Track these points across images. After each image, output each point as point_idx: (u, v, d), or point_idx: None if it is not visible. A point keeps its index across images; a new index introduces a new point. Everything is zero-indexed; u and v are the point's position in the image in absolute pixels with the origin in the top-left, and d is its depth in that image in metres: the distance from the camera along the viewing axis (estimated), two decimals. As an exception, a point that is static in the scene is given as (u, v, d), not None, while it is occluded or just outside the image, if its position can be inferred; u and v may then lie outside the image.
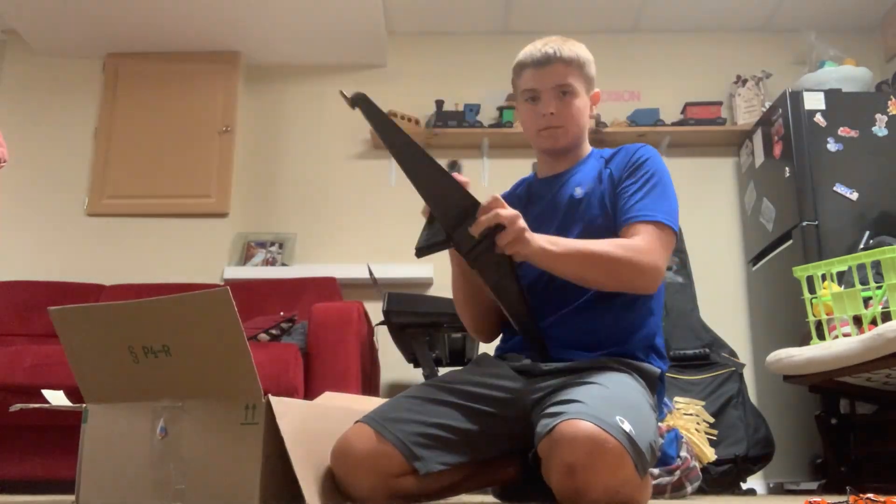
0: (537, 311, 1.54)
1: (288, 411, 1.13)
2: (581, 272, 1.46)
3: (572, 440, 1.18)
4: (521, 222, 1.36)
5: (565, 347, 1.52)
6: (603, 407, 1.25)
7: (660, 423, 2.29)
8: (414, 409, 1.37)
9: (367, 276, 3.21)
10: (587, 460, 1.17)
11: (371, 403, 1.49)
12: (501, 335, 1.69)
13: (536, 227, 1.44)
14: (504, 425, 1.42)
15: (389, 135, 1.38)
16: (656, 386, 1.54)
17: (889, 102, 3.34)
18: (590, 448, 1.18)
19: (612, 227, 1.56)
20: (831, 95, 3.38)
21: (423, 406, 1.39)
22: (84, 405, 1.30)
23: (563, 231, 1.55)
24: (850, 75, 3.59)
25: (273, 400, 1.11)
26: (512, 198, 1.76)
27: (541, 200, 1.68)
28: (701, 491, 2.55)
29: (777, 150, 3.48)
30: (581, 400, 1.28)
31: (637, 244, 1.46)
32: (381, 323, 2.95)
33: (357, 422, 1.33)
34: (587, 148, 1.76)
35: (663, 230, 1.50)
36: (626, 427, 1.23)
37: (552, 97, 1.63)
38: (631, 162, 1.62)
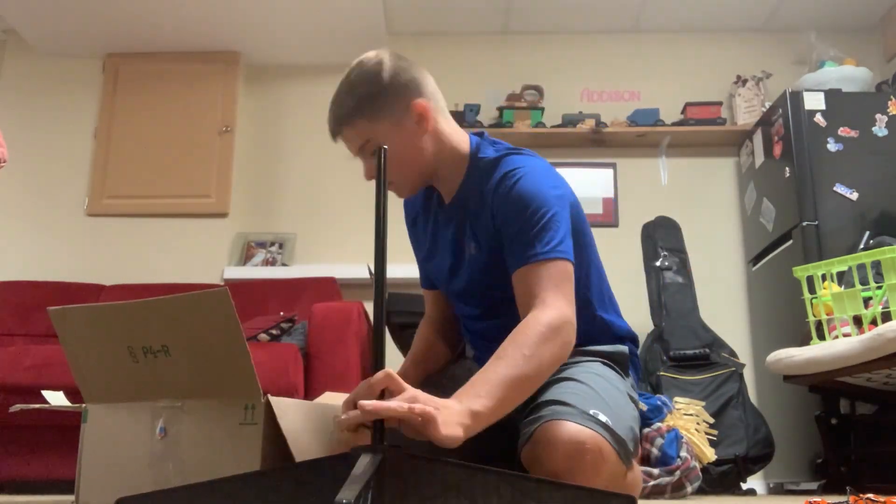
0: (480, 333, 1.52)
1: (289, 411, 1.14)
2: (522, 396, 1.22)
3: (551, 446, 1.16)
4: (420, 406, 1.02)
5: None
6: (577, 402, 1.22)
7: (659, 424, 2.29)
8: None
9: (367, 276, 3.21)
10: (568, 465, 1.14)
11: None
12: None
13: (428, 264, 1.43)
14: (492, 440, 1.29)
15: None
16: (628, 367, 1.50)
17: (889, 102, 3.34)
18: (569, 452, 1.15)
19: (492, 264, 1.42)
20: (831, 95, 3.38)
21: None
22: (83, 405, 1.30)
23: (451, 273, 1.47)
24: (850, 75, 3.59)
25: (273, 400, 1.11)
26: (415, 209, 1.63)
27: (441, 232, 1.52)
28: (701, 491, 2.55)
29: (777, 150, 3.48)
30: (555, 399, 1.23)
31: (540, 318, 1.24)
32: (381, 323, 2.95)
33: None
34: (459, 159, 1.48)
35: (552, 265, 1.31)
36: (602, 418, 1.20)
37: (366, 159, 1.45)
38: (508, 204, 1.38)
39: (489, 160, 1.45)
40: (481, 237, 1.43)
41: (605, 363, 1.43)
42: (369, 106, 1.39)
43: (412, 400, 1.02)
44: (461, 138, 1.49)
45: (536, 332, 1.22)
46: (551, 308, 1.25)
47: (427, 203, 1.58)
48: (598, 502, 0.98)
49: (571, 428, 1.16)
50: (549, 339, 1.22)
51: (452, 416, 1.05)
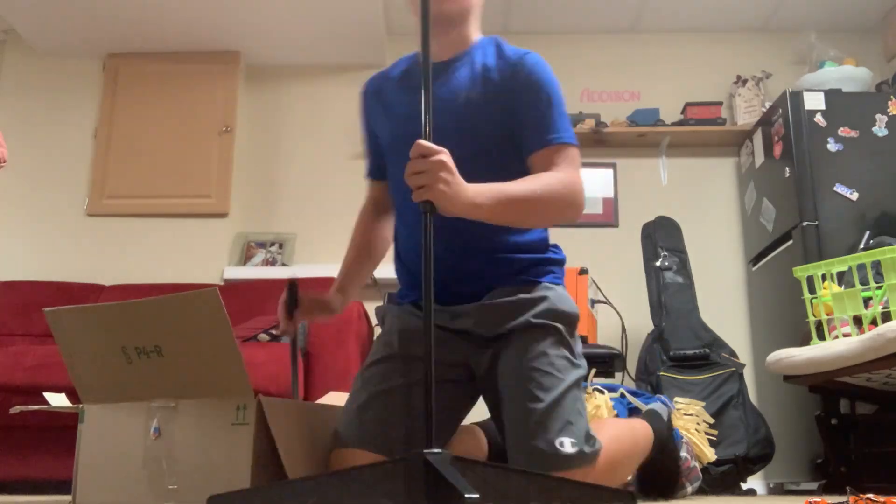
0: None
1: (280, 412, 1.14)
2: (518, 220, 1.46)
3: None
4: (444, 173, 1.23)
5: (459, 282, 1.51)
6: (544, 434, 1.35)
7: None
8: (385, 410, 1.41)
9: (366, 276, 3.20)
10: None
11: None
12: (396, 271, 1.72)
13: (408, 124, 1.40)
14: (462, 389, 1.53)
15: None
16: (576, 324, 1.53)
17: (889, 102, 3.34)
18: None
19: (486, 133, 1.51)
20: (831, 95, 3.37)
21: (390, 403, 1.42)
22: (81, 406, 1.30)
23: (437, 134, 1.34)
24: (850, 75, 3.58)
25: (264, 401, 1.11)
26: (385, 80, 1.70)
27: (416, 93, 1.40)
28: (701, 491, 2.55)
29: (777, 150, 3.48)
30: (525, 436, 1.36)
31: (563, 178, 1.44)
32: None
33: (338, 447, 1.34)
34: (475, 34, 1.63)
35: (572, 149, 1.49)
36: (567, 450, 1.34)
37: None
38: (524, 77, 1.51)
39: (505, 44, 1.61)
40: (487, 86, 1.53)
41: (555, 339, 1.47)
42: None
43: (442, 166, 1.22)
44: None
45: (555, 178, 1.43)
46: (570, 177, 1.45)
47: (405, 73, 1.68)
48: (602, 498, 1.17)
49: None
50: (562, 189, 1.43)
51: (457, 200, 1.25)
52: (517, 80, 1.51)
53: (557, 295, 1.52)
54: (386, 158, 1.68)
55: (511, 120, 1.50)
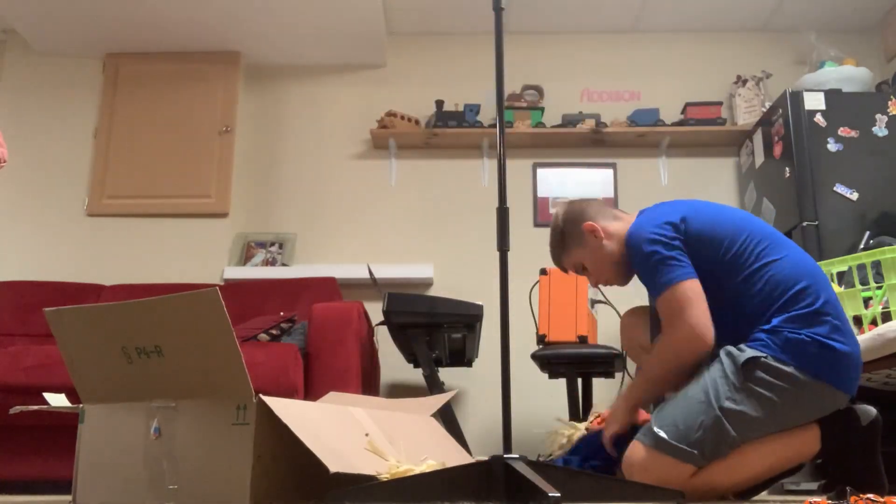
0: None
1: (284, 407, 1.14)
2: (659, 388, 1.86)
3: (626, 466, 1.72)
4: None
5: None
6: (653, 421, 1.71)
7: None
8: None
9: (367, 276, 3.21)
10: (628, 472, 1.71)
11: (373, 403, 1.49)
12: None
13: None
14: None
15: None
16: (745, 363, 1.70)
17: (889, 102, 3.34)
18: (627, 461, 1.71)
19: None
20: (831, 95, 3.37)
21: None
22: (80, 406, 1.30)
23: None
24: (850, 75, 3.58)
25: (266, 400, 1.11)
26: None
27: None
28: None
29: (777, 150, 3.48)
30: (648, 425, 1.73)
31: (662, 340, 1.79)
32: (381, 323, 2.95)
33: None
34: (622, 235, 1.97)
35: (669, 293, 1.75)
36: (661, 434, 1.67)
37: (581, 274, 2.07)
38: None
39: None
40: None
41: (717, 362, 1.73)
42: (561, 244, 2.02)
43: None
44: (625, 225, 1.96)
45: (658, 351, 1.81)
46: (667, 331, 1.77)
47: None
48: (649, 495, 1.44)
49: (633, 446, 1.72)
50: (663, 354, 1.78)
51: (619, 416, 1.86)
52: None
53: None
54: None
55: None
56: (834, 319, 1.71)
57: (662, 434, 1.66)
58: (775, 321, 1.70)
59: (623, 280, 2.00)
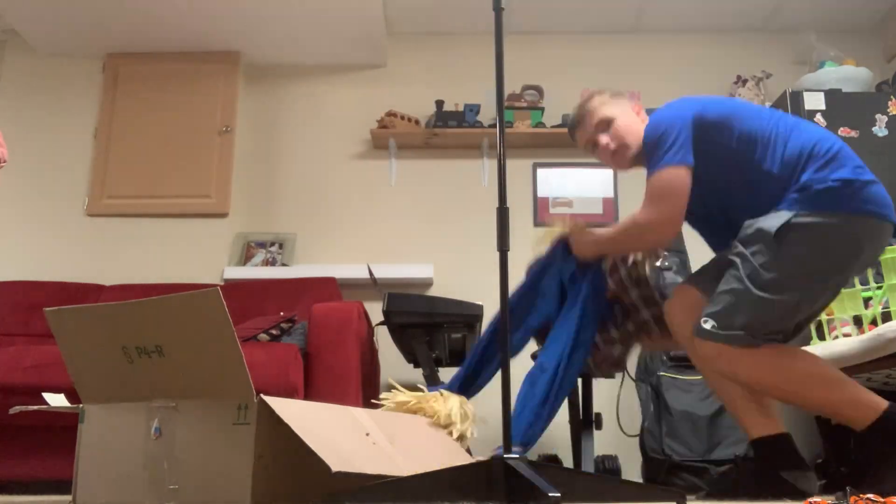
0: None
1: (285, 407, 1.14)
2: (612, 250, 2.11)
3: (700, 364, 1.98)
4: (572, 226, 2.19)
5: None
6: (705, 314, 1.81)
7: None
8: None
9: (367, 276, 3.21)
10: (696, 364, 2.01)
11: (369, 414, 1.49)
12: None
13: None
14: None
15: None
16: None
17: (889, 102, 3.34)
18: (703, 366, 1.97)
19: None
20: (831, 95, 3.37)
21: None
22: (81, 406, 1.30)
23: None
24: (850, 75, 3.58)
25: (267, 399, 1.11)
26: None
27: None
28: (700, 489, 2.55)
29: (777, 149, 3.47)
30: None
31: (637, 212, 1.95)
32: (381, 323, 2.95)
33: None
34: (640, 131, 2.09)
35: (660, 173, 1.89)
36: (707, 325, 1.78)
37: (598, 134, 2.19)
38: None
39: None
40: None
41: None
42: (598, 102, 2.16)
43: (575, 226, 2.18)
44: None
45: (628, 222, 2.02)
46: (644, 209, 1.93)
47: None
48: (650, 495, 1.41)
49: (698, 344, 1.84)
50: (631, 228, 2.01)
51: (584, 243, 2.13)
52: None
53: None
54: None
55: None
56: (854, 160, 1.83)
57: (709, 326, 1.79)
58: (803, 179, 1.79)
59: (628, 162, 2.11)
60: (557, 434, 3.06)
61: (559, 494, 1.12)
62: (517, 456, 1.27)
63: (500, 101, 1.51)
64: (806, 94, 3.36)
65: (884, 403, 1.76)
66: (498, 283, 1.57)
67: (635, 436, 3.05)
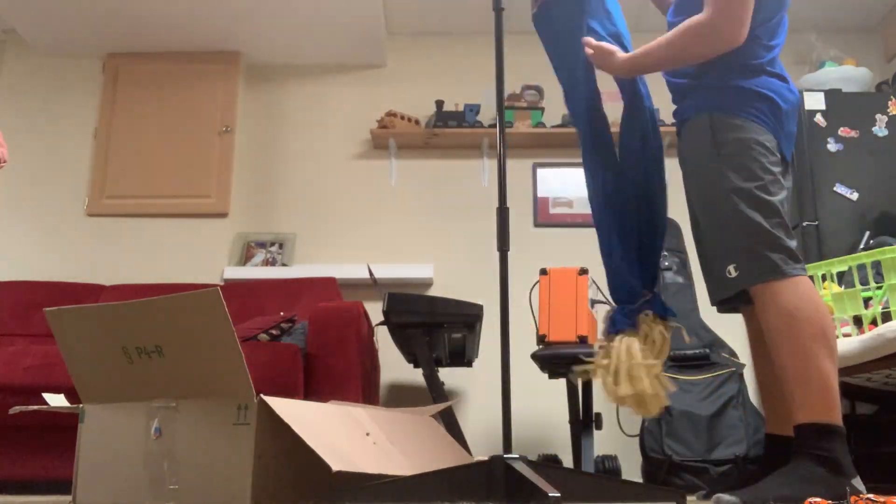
0: None
1: (285, 407, 1.14)
2: (666, 64, 1.99)
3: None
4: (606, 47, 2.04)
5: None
6: (720, 265, 1.83)
7: None
8: None
9: (367, 276, 3.21)
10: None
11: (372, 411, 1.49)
12: None
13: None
14: None
15: None
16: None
17: (889, 102, 3.34)
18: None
19: None
20: (831, 95, 3.37)
21: None
22: (81, 406, 1.30)
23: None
24: (850, 75, 3.59)
25: (267, 400, 1.11)
26: None
27: None
28: (700, 489, 2.55)
29: (777, 149, 3.47)
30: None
31: (697, 17, 1.79)
32: (381, 323, 2.95)
33: None
34: None
35: None
36: (732, 274, 1.77)
37: None
38: None
39: None
40: None
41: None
42: None
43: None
44: None
45: (685, 23, 1.84)
46: (708, 10, 1.79)
47: None
48: (649, 495, 1.42)
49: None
50: (686, 29, 1.84)
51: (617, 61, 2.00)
52: None
53: None
54: None
55: None
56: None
57: (736, 273, 1.76)
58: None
59: None
60: (557, 434, 3.07)
61: (559, 494, 1.13)
62: (517, 456, 1.28)
63: (500, 101, 1.51)
64: (806, 94, 3.36)
65: (838, 419, 1.63)
66: (498, 284, 1.57)
67: (635, 436, 3.05)
